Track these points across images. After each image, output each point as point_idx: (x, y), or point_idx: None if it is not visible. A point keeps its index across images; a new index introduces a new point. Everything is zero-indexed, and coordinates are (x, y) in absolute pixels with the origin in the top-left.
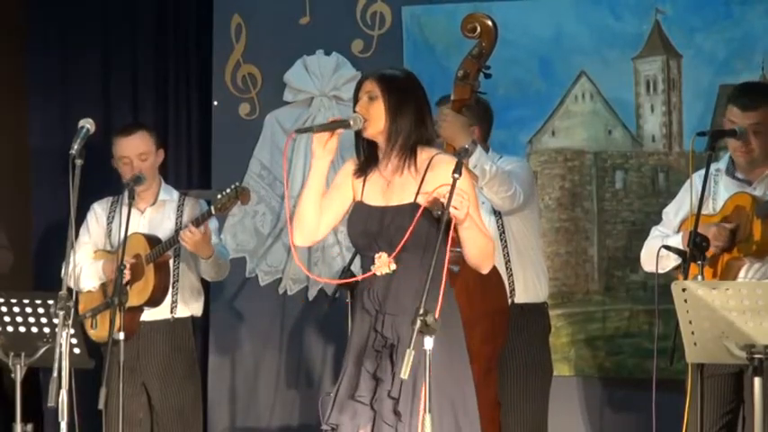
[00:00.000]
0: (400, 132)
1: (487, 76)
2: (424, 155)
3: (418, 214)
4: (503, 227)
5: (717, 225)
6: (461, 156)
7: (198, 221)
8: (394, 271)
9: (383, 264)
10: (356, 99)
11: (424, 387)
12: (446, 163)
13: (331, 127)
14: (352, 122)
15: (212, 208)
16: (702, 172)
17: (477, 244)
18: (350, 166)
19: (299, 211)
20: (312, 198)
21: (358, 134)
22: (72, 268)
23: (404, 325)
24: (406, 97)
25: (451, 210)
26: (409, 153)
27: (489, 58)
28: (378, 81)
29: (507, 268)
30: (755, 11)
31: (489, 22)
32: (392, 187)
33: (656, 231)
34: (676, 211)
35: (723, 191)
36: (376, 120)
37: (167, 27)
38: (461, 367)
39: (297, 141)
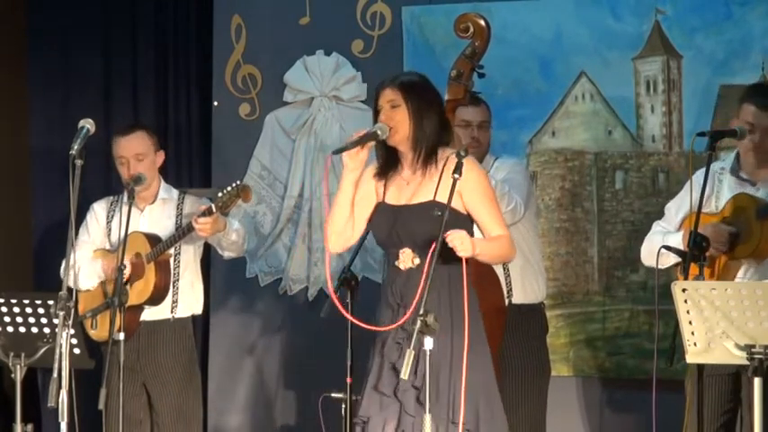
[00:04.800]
0: (426, 138)
1: (481, 75)
2: (441, 155)
3: (445, 216)
4: None
5: (714, 226)
6: (461, 156)
7: (204, 213)
8: (417, 266)
9: (407, 259)
10: (376, 108)
11: (427, 382)
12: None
13: (363, 141)
14: (380, 133)
15: (214, 206)
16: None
17: (493, 259)
18: (370, 172)
19: (332, 220)
20: (345, 206)
21: (379, 141)
22: (72, 268)
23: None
24: (428, 102)
25: (458, 252)
26: (431, 155)
27: (483, 58)
28: (399, 89)
29: (504, 268)
30: (755, 12)
31: (482, 22)
32: (411, 186)
33: (657, 227)
34: (678, 208)
35: (726, 190)
36: (401, 127)
37: (167, 27)
38: (484, 358)
39: (297, 142)
